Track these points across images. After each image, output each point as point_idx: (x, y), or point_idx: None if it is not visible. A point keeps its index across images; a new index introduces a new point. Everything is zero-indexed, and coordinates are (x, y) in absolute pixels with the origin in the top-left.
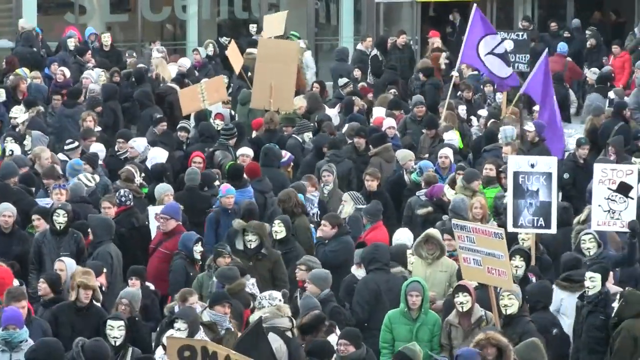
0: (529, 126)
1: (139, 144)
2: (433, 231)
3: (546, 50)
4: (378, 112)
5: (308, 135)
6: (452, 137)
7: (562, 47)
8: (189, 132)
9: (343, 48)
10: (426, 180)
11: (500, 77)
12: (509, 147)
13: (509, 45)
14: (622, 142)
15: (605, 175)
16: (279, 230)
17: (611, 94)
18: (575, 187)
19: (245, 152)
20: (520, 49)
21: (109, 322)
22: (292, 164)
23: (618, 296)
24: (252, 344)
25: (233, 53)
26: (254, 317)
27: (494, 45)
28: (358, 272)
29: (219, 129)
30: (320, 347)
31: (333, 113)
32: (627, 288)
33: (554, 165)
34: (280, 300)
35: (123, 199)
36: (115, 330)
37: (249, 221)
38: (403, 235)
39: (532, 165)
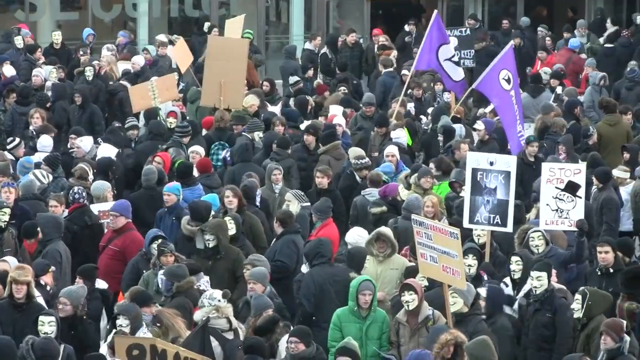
0: (479, 124)
1: (85, 143)
2: (384, 229)
3: (510, 46)
4: (334, 110)
5: (259, 134)
6: (400, 134)
7: (573, 42)
8: (139, 129)
9: (291, 46)
10: (370, 179)
11: (455, 80)
12: (466, 145)
13: (453, 42)
14: (572, 141)
15: (553, 174)
16: (229, 227)
17: (559, 89)
18: (522, 185)
19: (196, 150)
20: (464, 45)
21: (40, 317)
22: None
23: (579, 296)
24: (198, 344)
25: (180, 51)
26: (196, 316)
27: (450, 54)
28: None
29: (172, 126)
30: (255, 345)
31: (277, 111)
32: (582, 288)
33: (513, 164)
34: (219, 300)
35: (77, 196)
36: (46, 326)
37: (198, 220)
38: (356, 234)
39: (492, 163)
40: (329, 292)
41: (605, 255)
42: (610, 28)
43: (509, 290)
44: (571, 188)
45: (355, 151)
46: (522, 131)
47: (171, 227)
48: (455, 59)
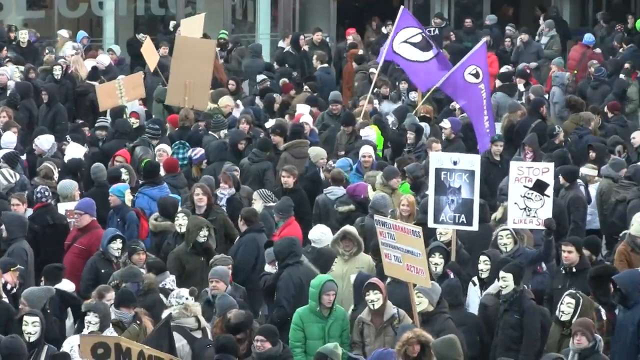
0: (445, 123)
1: (42, 141)
2: (350, 228)
3: (483, 43)
4: (301, 109)
5: (224, 132)
6: (369, 133)
7: (588, 37)
8: (107, 130)
9: (257, 44)
10: (333, 176)
11: (419, 60)
12: (439, 144)
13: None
14: (537, 141)
15: (521, 173)
16: (182, 223)
17: (522, 88)
18: (487, 184)
19: (163, 148)
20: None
21: (25, 317)
22: (205, 161)
23: (572, 300)
24: (160, 340)
25: (148, 50)
26: (163, 315)
27: (410, 35)
28: (272, 269)
29: (135, 126)
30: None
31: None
32: (573, 291)
33: (476, 163)
34: (187, 299)
35: (39, 195)
36: (30, 326)
37: (166, 216)
38: (320, 231)
39: (455, 163)
40: (306, 293)
41: (569, 254)
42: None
43: (476, 290)
44: (539, 187)
45: (316, 151)
46: (489, 127)
47: (116, 228)
48: (418, 38)
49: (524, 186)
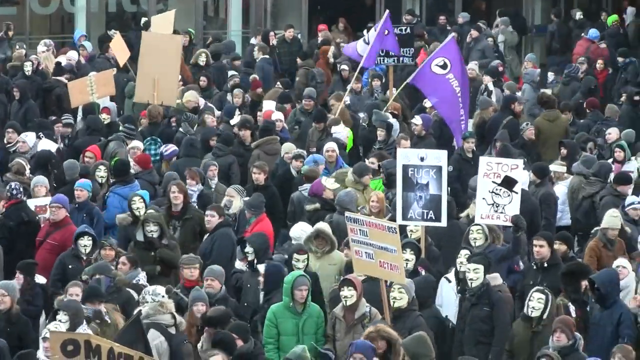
0: (416, 119)
1: (30, 138)
2: (323, 226)
3: (451, 37)
4: (267, 105)
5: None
6: (340, 130)
7: (592, 32)
8: (73, 127)
9: (229, 41)
10: (306, 174)
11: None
12: (407, 141)
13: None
14: (508, 137)
15: (490, 168)
16: (140, 207)
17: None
18: (459, 180)
19: (136, 145)
20: (404, 44)
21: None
22: (175, 157)
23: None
24: (131, 337)
25: (118, 45)
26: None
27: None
28: (243, 266)
29: (106, 122)
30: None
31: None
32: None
33: (444, 159)
34: (163, 296)
35: (14, 192)
36: None
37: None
38: (300, 229)
39: (422, 159)
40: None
41: (540, 249)
42: None
43: (452, 287)
44: (507, 183)
45: (288, 147)
46: (463, 116)
47: (81, 224)
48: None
49: (493, 182)
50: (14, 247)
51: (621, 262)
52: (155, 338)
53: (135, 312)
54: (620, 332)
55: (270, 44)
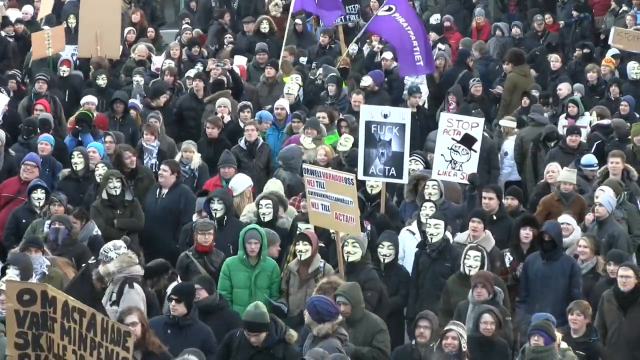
0: (365, 80)
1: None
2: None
3: None
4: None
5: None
6: (290, 86)
7: None
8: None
9: None
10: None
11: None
12: (360, 95)
13: None
14: (461, 92)
15: (450, 125)
16: (102, 173)
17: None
18: None
19: (90, 100)
20: (348, 1)
21: None
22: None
23: (478, 253)
24: (80, 293)
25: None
26: (110, 268)
27: None
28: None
29: (65, 75)
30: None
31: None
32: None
33: (407, 117)
34: (125, 248)
35: None
36: None
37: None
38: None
39: (385, 116)
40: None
41: (489, 201)
42: None
43: (416, 238)
44: (467, 141)
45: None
46: (417, 48)
47: (45, 178)
48: None
49: (452, 139)
50: None
51: (566, 219)
52: (141, 291)
53: (83, 266)
54: (575, 284)
55: None
